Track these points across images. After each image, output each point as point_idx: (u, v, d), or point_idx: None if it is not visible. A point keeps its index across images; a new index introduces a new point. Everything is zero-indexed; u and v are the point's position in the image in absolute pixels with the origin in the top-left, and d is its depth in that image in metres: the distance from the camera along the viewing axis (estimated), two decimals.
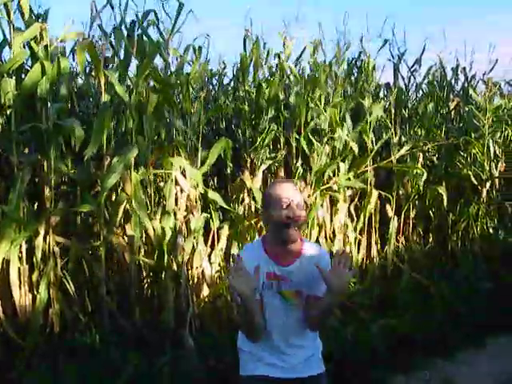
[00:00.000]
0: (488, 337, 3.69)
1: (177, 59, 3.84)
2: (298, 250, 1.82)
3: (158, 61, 3.72)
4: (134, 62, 3.33)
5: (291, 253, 1.80)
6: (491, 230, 5.29)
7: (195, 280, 3.51)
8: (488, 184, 5.33)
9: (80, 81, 4.00)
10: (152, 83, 3.41)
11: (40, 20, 3.07)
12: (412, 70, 5.36)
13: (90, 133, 2.93)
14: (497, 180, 5.46)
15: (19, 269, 2.88)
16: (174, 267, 3.36)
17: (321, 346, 1.93)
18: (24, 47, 2.91)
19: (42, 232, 2.92)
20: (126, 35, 3.36)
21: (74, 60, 3.75)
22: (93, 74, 3.73)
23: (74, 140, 2.81)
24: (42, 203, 3.00)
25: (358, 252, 4.45)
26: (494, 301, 3.99)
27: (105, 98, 3.03)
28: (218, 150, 3.56)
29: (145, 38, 3.38)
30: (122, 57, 3.44)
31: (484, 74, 5.64)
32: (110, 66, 3.46)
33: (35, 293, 2.87)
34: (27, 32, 2.83)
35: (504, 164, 5.55)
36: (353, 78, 4.92)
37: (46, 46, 2.91)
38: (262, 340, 1.82)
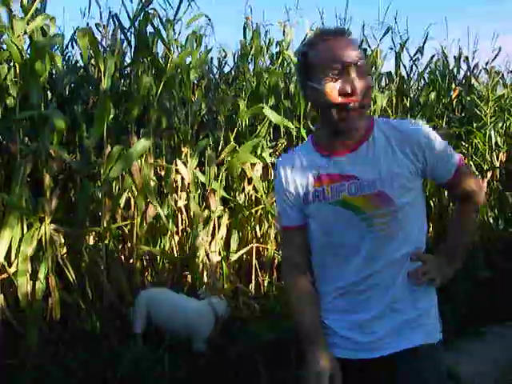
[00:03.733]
0: (487, 325, 3.70)
1: (177, 48, 3.82)
2: (363, 130, 1.21)
3: (159, 49, 3.72)
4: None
5: (352, 136, 1.20)
6: (491, 220, 5.29)
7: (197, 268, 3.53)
8: (489, 174, 5.32)
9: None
10: (153, 71, 3.42)
11: (39, 7, 3.04)
12: (414, 58, 5.33)
13: (90, 121, 2.95)
14: (498, 170, 5.45)
15: None
16: (175, 255, 3.38)
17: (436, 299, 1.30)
18: (25, 33, 2.89)
19: (42, 220, 2.94)
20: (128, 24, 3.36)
21: (73, 48, 3.74)
22: (92, 62, 3.72)
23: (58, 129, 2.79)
24: (42, 191, 3.00)
25: None
26: (492, 289, 4.01)
27: (105, 85, 3.02)
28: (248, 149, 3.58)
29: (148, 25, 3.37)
30: (122, 45, 3.45)
31: (487, 63, 5.61)
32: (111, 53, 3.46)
33: (36, 281, 2.89)
34: (27, 19, 2.81)
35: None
36: None
37: (44, 34, 2.89)
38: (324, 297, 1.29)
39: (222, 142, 3.68)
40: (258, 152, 3.66)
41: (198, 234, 3.31)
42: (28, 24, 2.80)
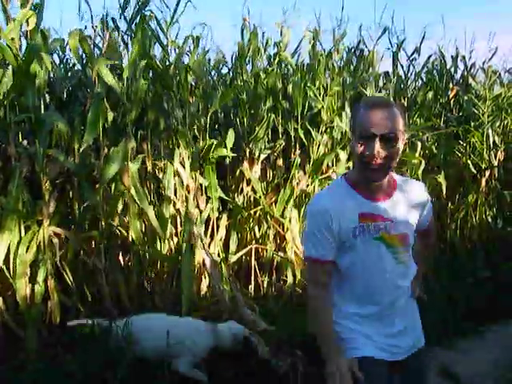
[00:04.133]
0: (486, 324, 3.71)
1: (175, 50, 3.83)
2: (390, 183, 1.54)
3: (157, 51, 3.73)
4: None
5: (382, 187, 1.51)
6: (490, 219, 5.30)
7: (195, 269, 3.53)
8: (487, 173, 5.33)
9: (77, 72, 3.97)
10: (151, 73, 3.43)
11: (37, 10, 3.04)
12: (411, 58, 5.34)
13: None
14: (496, 169, 5.46)
15: None
16: (176, 257, 3.37)
17: None
18: (20, 38, 2.89)
19: (40, 223, 2.93)
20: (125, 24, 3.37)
21: (70, 50, 3.73)
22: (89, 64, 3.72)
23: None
24: (40, 194, 3.00)
25: None
26: (491, 288, 4.01)
27: (99, 87, 3.02)
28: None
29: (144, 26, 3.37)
30: (119, 46, 3.45)
31: (484, 63, 5.62)
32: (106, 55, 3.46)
33: (35, 284, 2.88)
34: (17, 20, 2.79)
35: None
36: (352, 67, 4.90)
37: (43, 37, 2.89)
38: (362, 309, 1.56)
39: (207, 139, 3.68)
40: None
41: (188, 235, 3.28)
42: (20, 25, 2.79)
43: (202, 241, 3.29)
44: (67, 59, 3.97)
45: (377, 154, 1.38)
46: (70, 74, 3.86)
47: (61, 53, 3.89)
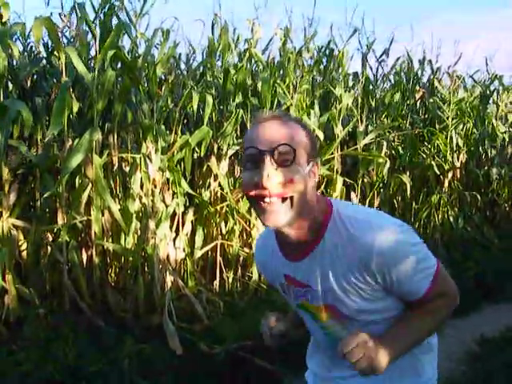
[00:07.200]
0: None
1: (145, 42, 3.77)
2: (315, 230, 1.05)
3: (126, 43, 3.68)
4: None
5: (299, 237, 1.06)
6: (451, 219, 5.46)
7: (160, 265, 3.49)
8: (450, 174, 5.50)
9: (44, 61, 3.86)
10: (119, 65, 3.36)
11: None
12: (380, 60, 5.44)
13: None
14: (458, 170, 5.64)
15: None
16: (139, 252, 3.33)
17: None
18: None
19: (0, 215, 2.85)
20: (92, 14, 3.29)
21: (34, 36, 3.62)
22: (55, 53, 3.63)
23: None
24: (0, 185, 2.91)
25: None
26: None
27: (65, 77, 2.95)
28: (197, 138, 3.55)
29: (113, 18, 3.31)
30: (86, 36, 3.37)
31: (449, 67, 5.78)
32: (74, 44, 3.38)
33: None
34: None
35: None
36: (321, 66, 4.95)
37: (3, 22, 2.80)
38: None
39: (173, 134, 3.66)
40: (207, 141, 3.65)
41: (147, 229, 3.25)
42: None
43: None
44: (31, 46, 3.84)
45: (266, 181, 0.95)
46: (33, 61, 3.75)
47: (23, 39, 3.76)
